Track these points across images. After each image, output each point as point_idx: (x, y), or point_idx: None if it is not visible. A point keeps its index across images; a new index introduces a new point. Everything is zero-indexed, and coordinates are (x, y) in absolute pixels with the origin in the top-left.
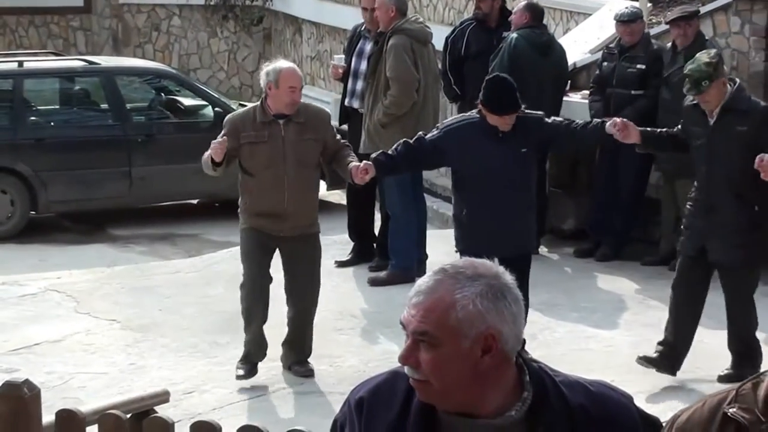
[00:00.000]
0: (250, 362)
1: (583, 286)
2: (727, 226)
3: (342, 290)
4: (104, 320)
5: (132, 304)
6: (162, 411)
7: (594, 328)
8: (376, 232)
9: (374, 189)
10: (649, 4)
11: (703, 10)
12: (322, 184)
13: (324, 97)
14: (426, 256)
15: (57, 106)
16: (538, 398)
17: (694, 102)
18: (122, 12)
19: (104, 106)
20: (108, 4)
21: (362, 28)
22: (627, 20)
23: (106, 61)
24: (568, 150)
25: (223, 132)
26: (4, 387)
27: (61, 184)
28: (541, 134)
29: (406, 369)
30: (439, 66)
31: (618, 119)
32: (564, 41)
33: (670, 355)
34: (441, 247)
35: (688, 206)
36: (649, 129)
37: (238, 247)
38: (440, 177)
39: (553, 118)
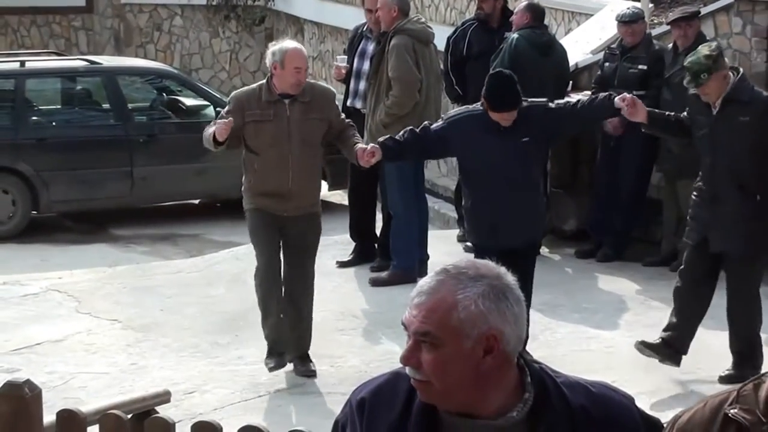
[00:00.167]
0: (276, 353)
1: (584, 286)
2: (730, 216)
3: (343, 290)
4: (105, 320)
5: (133, 304)
6: (163, 411)
7: (595, 328)
8: (378, 232)
9: (375, 189)
10: (650, 5)
11: (705, 10)
12: (323, 185)
13: None
14: (427, 257)
15: (59, 106)
16: (540, 399)
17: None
18: (124, 12)
19: (106, 106)
20: (110, 3)
21: (364, 29)
22: (628, 21)
23: (107, 61)
24: (577, 129)
25: (227, 108)
26: (5, 387)
27: (62, 183)
28: (546, 121)
29: (407, 369)
30: (441, 66)
31: (627, 95)
32: (566, 42)
33: (671, 342)
34: (442, 248)
35: (693, 196)
36: (657, 110)
37: (240, 247)
38: (441, 177)
39: (556, 102)
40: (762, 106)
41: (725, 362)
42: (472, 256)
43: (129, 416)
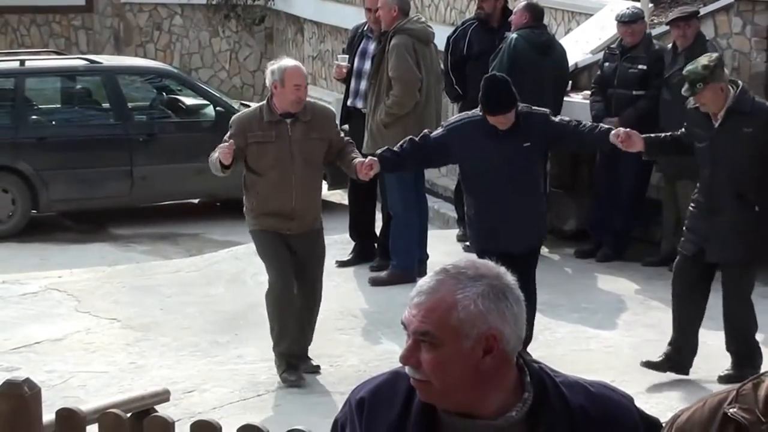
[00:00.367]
0: (292, 367)
1: (583, 286)
2: (728, 226)
3: (343, 290)
4: (105, 319)
5: (133, 303)
6: (162, 410)
7: (595, 328)
8: (377, 231)
9: (375, 189)
10: (650, 5)
11: (705, 10)
12: (324, 184)
13: (326, 97)
14: (427, 256)
15: (58, 105)
16: (539, 399)
17: (697, 105)
18: (124, 11)
19: (106, 105)
20: (110, 3)
21: (364, 28)
22: (628, 21)
23: (107, 60)
24: (572, 150)
25: (229, 132)
26: (4, 386)
27: (62, 183)
28: (548, 131)
29: (407, 369)
30: (441, 66)
31: (621, 129)
32: (565, 41)
33: (673, 357)
34: (442, 247)
35: (690, 208)
36: (652, 135)
37: (239, 247)
38: (441, 177)
39: (560, 117)
40: (764, 116)
41: (725, 362)
42: (471, 255)
43: (128, 415)
